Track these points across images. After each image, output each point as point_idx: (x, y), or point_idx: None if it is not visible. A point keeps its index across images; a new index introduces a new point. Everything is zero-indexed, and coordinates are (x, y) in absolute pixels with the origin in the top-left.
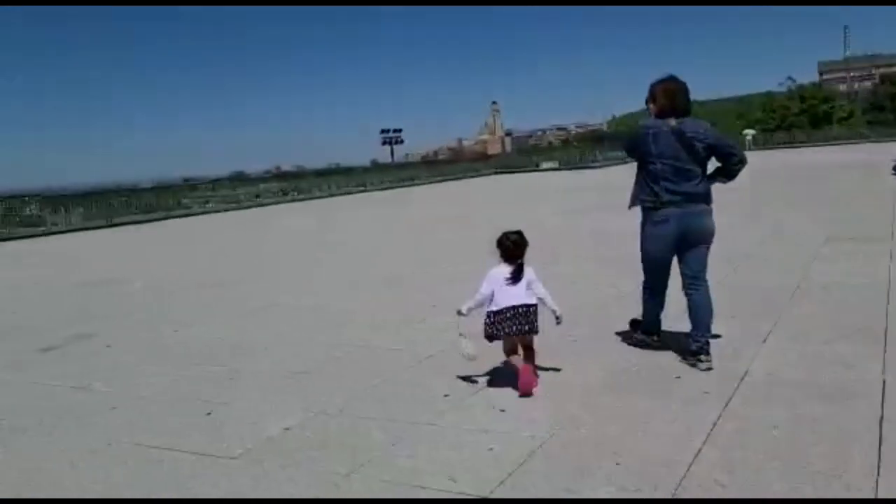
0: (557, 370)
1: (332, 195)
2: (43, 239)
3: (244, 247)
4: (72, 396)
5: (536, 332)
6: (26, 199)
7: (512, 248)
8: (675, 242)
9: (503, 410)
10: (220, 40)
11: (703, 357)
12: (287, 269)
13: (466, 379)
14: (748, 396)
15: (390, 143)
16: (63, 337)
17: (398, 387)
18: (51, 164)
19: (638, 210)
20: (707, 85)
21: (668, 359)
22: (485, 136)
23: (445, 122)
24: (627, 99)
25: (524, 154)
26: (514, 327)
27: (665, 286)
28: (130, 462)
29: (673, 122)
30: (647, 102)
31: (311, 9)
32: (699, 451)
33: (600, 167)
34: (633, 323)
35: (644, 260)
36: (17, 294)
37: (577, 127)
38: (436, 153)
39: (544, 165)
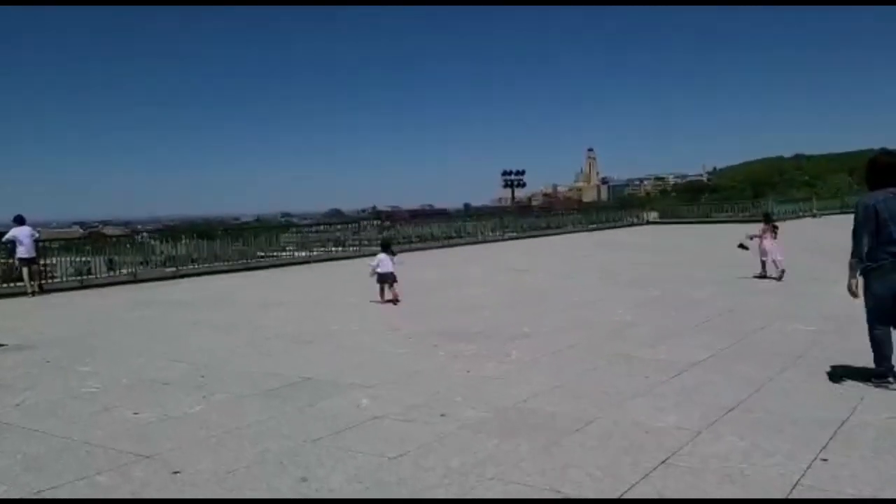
0: None
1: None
2: (177, 282)
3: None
4: None
5: (396, 281)
6: (138, 228)
7: (386, 245)
8: None
9: None
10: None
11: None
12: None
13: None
14: None
15: (512, 186)
16: None
17: None
18: (153, 194)
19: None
20: (817, 140)
21: None
22: (580, 184)
23: (538, 168)
24: (729, 152)
25: (621, 202)
26: (386, 279)
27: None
28: None
29: (893, 189)
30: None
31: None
32: None
33: (703, 222)
34: (879, 374)
35: (875, 310)
36: (160, 407)
37: (675, 178)
38: (530, 199)
39: (645, 216)
